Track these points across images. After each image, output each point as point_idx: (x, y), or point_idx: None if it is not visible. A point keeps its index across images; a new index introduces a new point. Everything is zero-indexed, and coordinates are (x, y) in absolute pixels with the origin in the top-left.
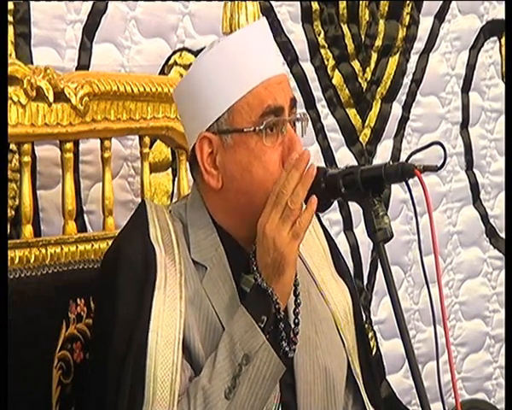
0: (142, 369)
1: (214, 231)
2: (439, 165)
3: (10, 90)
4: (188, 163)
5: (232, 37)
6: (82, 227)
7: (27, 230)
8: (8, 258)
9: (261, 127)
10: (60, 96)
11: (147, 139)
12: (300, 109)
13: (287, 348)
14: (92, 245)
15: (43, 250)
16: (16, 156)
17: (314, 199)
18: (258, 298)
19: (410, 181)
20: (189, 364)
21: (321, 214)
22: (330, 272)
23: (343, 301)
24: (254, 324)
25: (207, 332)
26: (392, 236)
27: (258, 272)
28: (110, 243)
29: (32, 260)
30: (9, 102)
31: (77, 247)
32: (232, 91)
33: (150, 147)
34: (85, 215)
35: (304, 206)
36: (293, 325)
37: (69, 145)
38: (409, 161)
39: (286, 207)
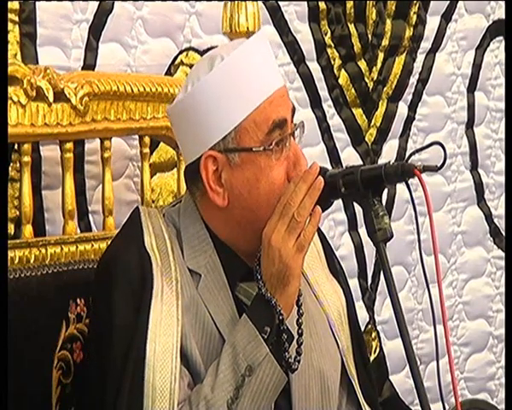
0: (140, 379)
1: (208, 237)
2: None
3: (10, 90)
4: (184, 178)
5: (233, 55)
6: (87, 227)
7: (27, 230)
8: (8, 258)
9: (270, 147)
10: (60, 96)
11: (147, 139)
12: (306, 109)
13: (291, 360)
14: (92, 245)
15: (43, 250)
16: None
17: (318, 211)
18: (261, 308)
19: (414, 181)
20: (187, 370)
21: (326, 214)
22: (324, 272)
23: (337, 302)
24: (258, 334)
25: (204, 338)
26: (392, 236)
27: (263, 282)
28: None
29: (31, 260)
30: (9, 102)
31: (77, 247)
32: (238, 110)
33: (156, 147)
34: (90, 215)
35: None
36: (296, 336)
37: (69, 145)
38: (413, 162)
39: (292, 218)
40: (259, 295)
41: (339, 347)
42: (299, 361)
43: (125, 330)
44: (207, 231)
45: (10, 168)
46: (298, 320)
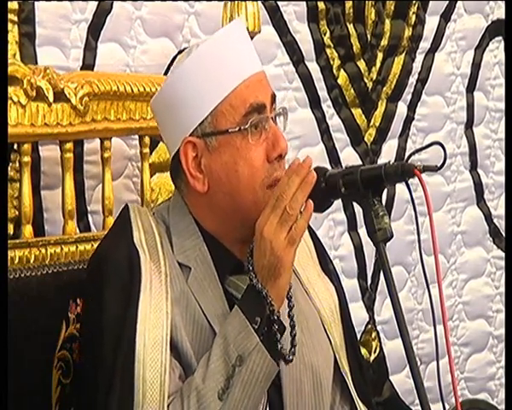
0: (130, 372)
1: (197, 231)
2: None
3: (10, 90)
4: (170, 173)
5: (209, 41)
6: (86, 227)
7: (27, 230)
8: (8, 258)
9: (246, 126)
10: (60, 96)
11: (147, 139)
12: (305, 109)
13: (285, 352)
14: (92, 245)
15: (43, 250)
16: None
17: (310, 205)
18: (252, 299)
19: (414, 181)
20: (178, 363)
21: (325, 214)
22: (316, 270)
23: (329, 299)
24: (248, 325)
25: (195, 331)
26: (392, 236)
27: (254, 273)
28: None
29: (31, 260)
30: (9, 102)
31: (77, 247)
32: (214, 94)
33: (155, 147)
34: (89, 215)
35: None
36: (289, 328)
37: (69, 145)
38: (413, 162)
39: (284, 211)
40: (251, 286)
41: (331, 344)
42: (293, 353)
43: (115, 325)
44: (197, 225)
45: (10, 168)
46: (289, 313)
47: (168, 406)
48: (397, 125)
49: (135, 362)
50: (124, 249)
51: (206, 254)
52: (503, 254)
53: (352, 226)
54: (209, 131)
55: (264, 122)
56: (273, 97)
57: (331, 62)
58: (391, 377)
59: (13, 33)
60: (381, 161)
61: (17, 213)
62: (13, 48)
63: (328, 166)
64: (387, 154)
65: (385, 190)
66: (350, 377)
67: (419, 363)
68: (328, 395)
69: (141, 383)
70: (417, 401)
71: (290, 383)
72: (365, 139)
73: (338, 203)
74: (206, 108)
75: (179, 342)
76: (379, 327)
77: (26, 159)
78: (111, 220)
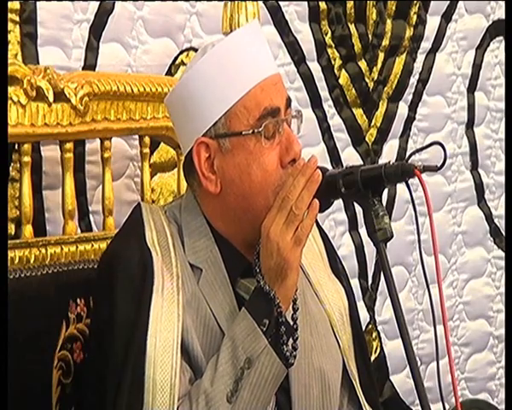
0: (141, 374)
1: (209, 232)
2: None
3: (10, 90)
4: (182, 169)
5: (225, 41)
6: (88, 227)
7: (27, 230)
8: (8, 258)
9: (260, 130)
10: (60, 96)
11: (147, 139)
12: (307, 109)
13: (287, 354)
14: (92, 245)
15: (43, 250)
16: None
17: (316, 204)
18: (260, 301)
19: (414, 181)
20: (189, 366)
21: (326, 214)
22: (326, 272)
23: (339, 302)
24: (256, 327)
25: (205, 334)
26: (392, 236)
27: (261, 275)
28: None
29: (32, 260)
30: (9, 102)
31: (77, 247)
32: (228, 95)
33: (156, 147)
34: (91, 216)
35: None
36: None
37: (69, 145)
38: (413, 162)
39: (291, 211)
40: (258, 288)
41: (340, 347)
42: (295, 356)
43: (126, 326)
44: (208, 226)
45: (11, 168)
46: (293, 316)
47: (177, 409)
48: (398, 126)
49: (145, 363)
50: (136, 249)
51: (218, 256)
52: (503, 255)
53: (352, 226)
54: (222, 133)
55: (277, 126)
56: (288, 101)
57: (332, 62)
58: (391, 377)
59: (14, 33)
60: (382, 161)
61: (18, 213)
62: (14, 48)
63: (329, 166)
64: (388, 154)
65: (386, 190)
66: (358, 381)
67: (419, 363)
68: (337, 399)
69: (151, 385)
70: (417, 401)
71: (298, 387)
72: (366, 139)
73: (339, 203)
74: (220, 110)
75: (190, 345)
76: (379, 327)
77: (26, 159)
78: (111, 220)
